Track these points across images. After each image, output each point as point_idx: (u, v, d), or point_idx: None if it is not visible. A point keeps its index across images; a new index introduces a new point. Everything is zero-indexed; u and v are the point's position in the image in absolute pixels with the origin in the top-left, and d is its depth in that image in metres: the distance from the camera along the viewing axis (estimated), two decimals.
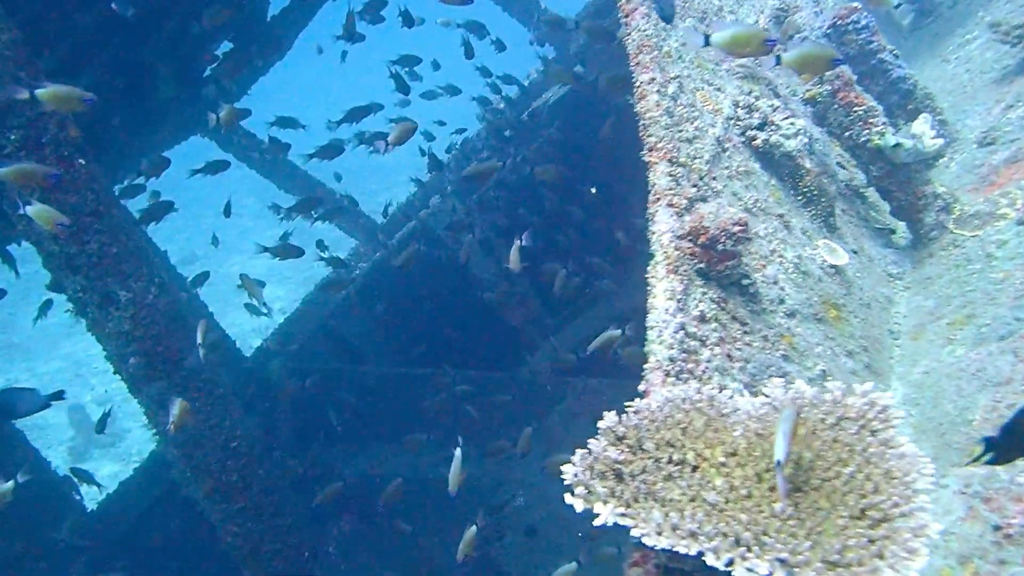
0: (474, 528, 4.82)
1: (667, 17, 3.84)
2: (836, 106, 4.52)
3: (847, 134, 4.52)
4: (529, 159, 8.39)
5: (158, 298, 6.18)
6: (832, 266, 3.97)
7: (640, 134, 3.80)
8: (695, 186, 3.57)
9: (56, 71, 5.88)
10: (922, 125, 4.37)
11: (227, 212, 9.83)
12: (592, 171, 8.44)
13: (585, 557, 5.30)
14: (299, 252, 7.03)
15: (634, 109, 3.89)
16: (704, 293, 3.13)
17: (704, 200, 3.55)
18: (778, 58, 3.14)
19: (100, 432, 9.61)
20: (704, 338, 2.97)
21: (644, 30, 3.84)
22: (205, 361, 5.73)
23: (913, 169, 4.38)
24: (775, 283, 3.55)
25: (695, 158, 3.74)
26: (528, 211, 8.54)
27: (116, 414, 15.52)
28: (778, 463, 2.15)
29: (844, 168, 4.87)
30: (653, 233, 3.32)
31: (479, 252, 8.77)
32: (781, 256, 3.72)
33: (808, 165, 4.35)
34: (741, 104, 4.28)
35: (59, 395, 5.06)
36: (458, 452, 4.71)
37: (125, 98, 7.05)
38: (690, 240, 3.21)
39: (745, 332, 3.17)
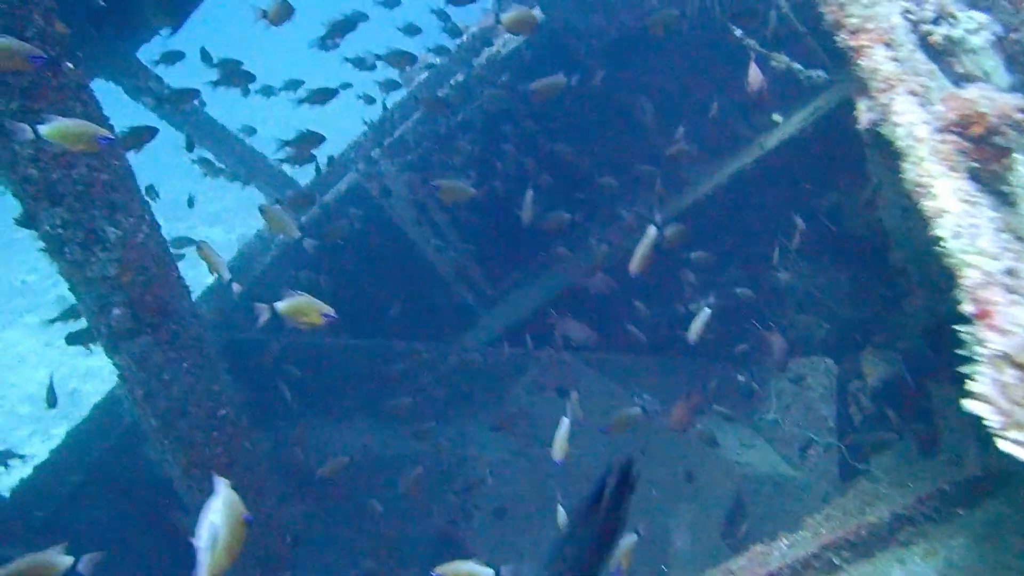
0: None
1: None
2: (1004, 1, 3.96)
3: (1012, 35, 3.97)
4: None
5: (149, 238, 5.24)
6: None
7: (833, 16, 3.15)
8: (918, 75, 2.94)
9: None
10: None
11: (190, 147, 8.76)
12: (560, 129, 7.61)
13: (645, 530, 4.78)
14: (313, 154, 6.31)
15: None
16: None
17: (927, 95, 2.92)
18: None
19: (52, 406, 8.48)
20: (1003, 249, 2.35)
21: None
22: (238, 297, 4.84)
23: None
24: None
25: (900, 45, 3.10)
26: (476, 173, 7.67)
27: None
28: None
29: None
30: (896, 126, 2.67)
31: (416, 217, 7.98)
32: None
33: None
34: None
35: None
36: (565, 420, 4.05)
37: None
38: (955, 132, 2.57)
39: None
